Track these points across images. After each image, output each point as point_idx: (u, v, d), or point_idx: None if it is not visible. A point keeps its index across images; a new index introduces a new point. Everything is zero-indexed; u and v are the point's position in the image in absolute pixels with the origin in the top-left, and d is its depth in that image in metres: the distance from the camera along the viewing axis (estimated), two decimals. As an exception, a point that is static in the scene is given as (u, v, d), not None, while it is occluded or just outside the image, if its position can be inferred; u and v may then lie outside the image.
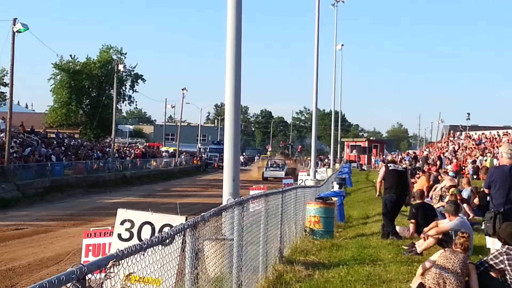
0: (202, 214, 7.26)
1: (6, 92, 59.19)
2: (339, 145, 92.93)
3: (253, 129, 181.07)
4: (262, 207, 12.04)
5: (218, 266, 8.42)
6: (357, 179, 53.17)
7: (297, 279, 11.52)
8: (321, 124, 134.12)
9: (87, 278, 4.07)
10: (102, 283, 4.47)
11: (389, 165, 18.62)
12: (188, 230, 6.67)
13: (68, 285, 3.81)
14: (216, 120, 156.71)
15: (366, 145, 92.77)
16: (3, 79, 61.73)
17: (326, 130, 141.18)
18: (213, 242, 8.34)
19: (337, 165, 73.55)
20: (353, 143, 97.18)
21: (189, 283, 6.60)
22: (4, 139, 48.71)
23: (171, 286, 6.55)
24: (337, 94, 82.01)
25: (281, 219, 14.16)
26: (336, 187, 31.34)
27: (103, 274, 4.48)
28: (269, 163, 78.97)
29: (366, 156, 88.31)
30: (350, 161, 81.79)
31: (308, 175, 42.61)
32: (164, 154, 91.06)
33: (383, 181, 18.52)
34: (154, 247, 5.56)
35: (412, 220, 17.43)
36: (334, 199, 22.10)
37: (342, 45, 78.20)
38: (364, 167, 77.98)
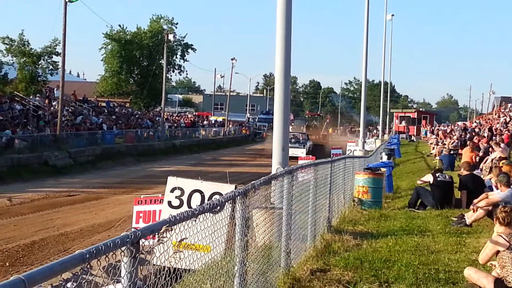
0: (252, 182, 7.32)
1: (58, 61, 59.69)
2: (388, 116, 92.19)
3: (301, 99, 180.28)
4: (311, 176, 12.05)
5: (267, 235, 8.49)
6: (406, 150, 52.78)
7: (345, 248, 11.56)
8: (370, 95, 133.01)
9: (140, 242, 4.16)
10: (155, 247, 4.57)
11: (437, 175, 18.19)
12: (238, 198, 6.73)
13: (123, 248, 3.89)
14: (265, 90, 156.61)
15: (416, 116, 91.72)
16: (55, 48, 62.22)
17: (375, 101, 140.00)
18: (262, 210, 8.41)
19: (385, 136, 73.06)
20: (402, 114, 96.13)
21: (239, 250, 6.67)
22: (56, 107, 49.42)
23: (220, 254, 6.64)
24: (387, 65, 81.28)
25: (330, 188, 14.17)
26: (384, 158, 31.22)
27: (154, 240, 4.57)
28: None
29: (415, 127, 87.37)
30: (399, 132, 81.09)
31: (357, 145, 42.52)
32: (205, 123, 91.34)
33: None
34: (206, 214, 5.65)
35: (463, 191, 17.37)
36: (383, 169, 22.04)
37: (392, 15, 77.22)
38: (413, 138, 77.20)
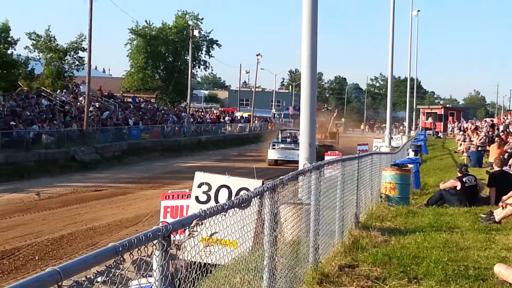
0: (281, 177, 7.30)
1: (84, 57, 60.12)
2: (414, 113, 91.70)
3: (327, 95, 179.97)
4: (338, 172, 12.02)
5: (295, 230, 8.47)
6: (432, 147, 52.50)
7: (373, 244, 11.51)
8: (396, 91, 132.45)
9: (172, 236, 4.16)
10: (185, 241, 4.57)
11: (464, 180, 17.91)
12: (267, 193, 6.72)
13: (154, 242, 3.90)
14: (290, 86, 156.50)
15: (442, 113, 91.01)
16: (81, 44, 62.64)
17: (401, 97, 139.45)
18: (290, 206, 8.38)
19: (412, 133, 72.70)
20: (429, 110, 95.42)
21: (268, 245, 6.66)
22: (83, 102, 49.71)
23: (248, 249, 6.63)
24: (413, 60, 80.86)
25: (357, 184, 14.12)
26: (411, 154, 31.04)
27: (181, 236, 4.57)
28: (280, 135, 49.09)
29: (442, 123, 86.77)
30: (426, 129, 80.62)
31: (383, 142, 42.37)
32: (225, 120, 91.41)
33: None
34: (234, 209, 5.64)
35: (493, 188, 17.21)
36: (410, 166, 21.91)
37: (418, 11, 76.71)
38: (440, 135, 76.75)
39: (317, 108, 71.78)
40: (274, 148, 44.63)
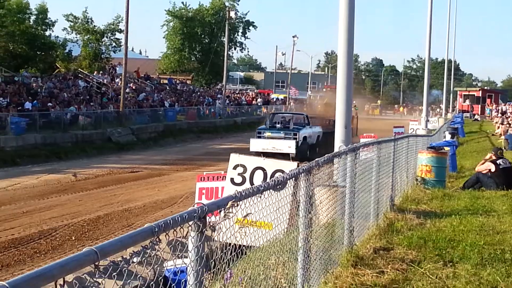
0: (316, 159, 7.29)
1: (121, 39, 60.45)
2: (451, 95, 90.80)
3: (363, 77, 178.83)
4: (374, 154, 11.97)
5: (330, 212, 8.46)
6: (470, 129, 51.99)
7: (408, 227, 11.46)
8: (433, 73, 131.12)
9: (207, 218, 4.18)
10: (221, 223, 4.59)
11: (498, 162, 17.77)
12: (302, 175, 6.72)
13: (190, 223, 3.92)
14: (326, 68, 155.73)
15: (480, 95, 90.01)
16: (118, 25, 62.98)
17: (438, 79, 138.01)
18: (325, 188, 8.37)
19: (449, 115, 72.07)
20: (466, 93, 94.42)
21: (303, 227, 6.66)
22: (119, 84, 49.99)
23: (282, 231, 6.64)
24: (451, 42, 79.83)
25: (393, 167, 14.05)
26: (448, 137, 30.79)
27: (216, 218, 4.59)
28: (268, 120, 38.44)
29: (479, 106, 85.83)
30: (463, 111, 79.82)
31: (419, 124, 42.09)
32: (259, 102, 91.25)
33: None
34: (270, 191, 5.65)
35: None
36: (446, 148, 21.74)
37: (457, -9, 75.78)
38: (477, 117, 75.97)
39: (330, 87, 70.25)
40: (259, 137, 35.21)
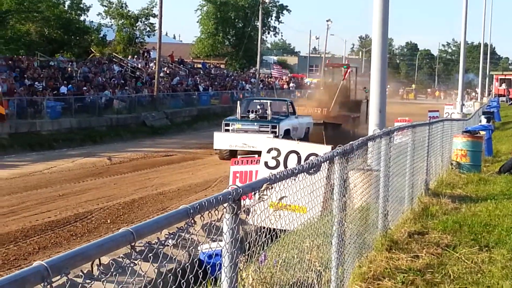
0: (351, 142, 7.26)
1: (155, 23, 60.69)
2: (487, 79, 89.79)
3: (397, 61, 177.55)
4: (408, 138, 11.91)
5: (364, 196, 8.44)
6: (506, 113, 51.36)
7: (443, 211, 11.39)
8: (468, 57, 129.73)
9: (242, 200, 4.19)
10: (255, 205, 4.59)
11: None
12: (337, 158, 6.69)
13: (225, 205, 3.93)
14: (360, 52, 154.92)
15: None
16: (152, 10, 63.17)
17: (474, 63, 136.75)
18: (359, 172, 8.34)
19: (484, 99, 71.32)
20: (503, 77, 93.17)
21: (337, 210, 6.65)
22: (153, 68, 50.18)
23: (316, 215, 6.63)
24: (487, 26, 78.93)
25: (428, 151, 13.97)
26: (484, 121, 30.49)
27: (251, 200, 4.59)
28: (240, 108, 28.54)
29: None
30: (499, 95, 78.86)
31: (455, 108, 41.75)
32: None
33: None
34: (304, 174, 5.64)
35: None
36: (482, 133, 21.54)
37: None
38: (514, 101, 75.02)
39: (333, 65, 46.68)
40: (227, 130, 27.35)
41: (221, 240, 4.13)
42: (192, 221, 3.43)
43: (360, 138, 7.92)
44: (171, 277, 3.46)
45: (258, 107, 29.01)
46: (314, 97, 41.69)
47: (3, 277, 2.29)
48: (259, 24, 69.37)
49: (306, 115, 32.17)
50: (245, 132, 26.84)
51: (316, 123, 32.03)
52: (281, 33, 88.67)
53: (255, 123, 27.20)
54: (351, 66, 45.25)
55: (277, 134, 25.56)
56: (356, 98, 42.59)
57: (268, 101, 29.52)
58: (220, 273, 4.02)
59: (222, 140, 26.94)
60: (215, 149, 27.23)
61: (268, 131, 25.86)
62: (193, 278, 3.72)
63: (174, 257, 4.02)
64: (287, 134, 27.12)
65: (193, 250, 5.34)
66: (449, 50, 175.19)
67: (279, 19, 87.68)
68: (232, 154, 25.46)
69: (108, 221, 15.50)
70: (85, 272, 2.64)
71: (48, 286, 2.36)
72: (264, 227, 4.98)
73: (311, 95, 43.63)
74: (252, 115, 27.71)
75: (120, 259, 2.95)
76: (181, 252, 4.57)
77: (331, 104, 36.16)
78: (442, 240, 9.21)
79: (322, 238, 6.42)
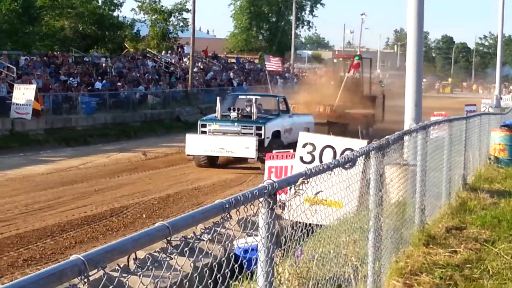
0: (387, 137, 7.19)
1: (188, 18, 60.82)
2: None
3: (433, 55, 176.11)
4: (445, 133, 11.79)
5: (400, 191, 8.36)
6: (544, 107, 50.75)
7: (481, 206, 11.26)
8: (506, 50, 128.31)
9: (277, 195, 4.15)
10: (291, 200, 4.55)
11: None
12: (373, 152, 6.63)
13: (261, 199, 3.90)
14: (395, 46, 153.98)
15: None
16: (185, 5, 63.31)
17: (511, 56, 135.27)
18: (396, 167, 8.27)
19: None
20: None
21: (373, 205, 6.58)
22: (187, 63, 50.31)
23: (352, 210, 6.58)
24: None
25: (465, 145, 13.83)
26: (522, 115, 30.15)
27: (286, 195, 4.55)
28: (220, 105, 23.47)
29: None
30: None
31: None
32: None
33: None
34: (340, 169, 5.59)
35: None
36: (520, 127, 21.28)
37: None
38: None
39: (342, 57, 42.93)
40: (204, 132, 23.19)
41: (256, 235, 4.10)
42: (228, 215, 3.41)
43: (396, 133, 7.84)
44: (207, 271, 3.42)
45: (246, 104, 24.22)
46: (317, 93, 35.79)
47: (41, 270, 2.29)
48: (292, 18, 69.24)
49: (305, 114, 28.06)
50: (224, 134, 22.67)
51: (318, 122, 27.79)
52: (315, 27, 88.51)
53: (236, 124, 22.79)
54: (364, 57, 40.84)
55: (262, 137, 22.39)
56: (370, 93, 38.66)
57: (254, 97, 24.31)
58: (256, 267, 4.00)
59: (196, 144, 22.71)
60: (188, 155, 23.13)
61: (251, 133, 22.50)
62: (229, 272, 3.70)
63: (210, 252, 4.00)
64: (276, 137, 23.34)
65: (229, 244, 5.31)
66: (486, 43, 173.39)
67: (313, 13, 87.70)
68: (212, 160, 23.13)
69: (144, 216, 15.55)
70: (121, 266, 2.63)
71: (85, 280, 2.35)
72: (299, 222, 4.94)
73: (312, 90, 37.41)
74: (233, 114, 23.06)
75: (156, 254, 2.93)
76: (217, 247, 4.54)
77: (334, 103, 31.89)
78: (480, 235, 9.10)
79: (358, 233, 6.37)
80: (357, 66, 35.28)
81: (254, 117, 22.96)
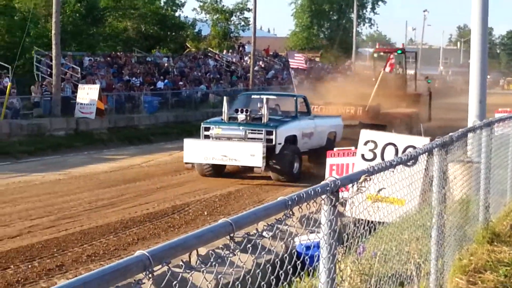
0: (450, 134, 7.12)
1: (249, 18, 60.91)
2: None
3: (498, 51, 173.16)
4: (510, 129, 11.61)
5: (464, 188, 8.27)
6: None
7: (547, 204, 11.06)
8: None
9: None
10: (353, 196, 4.55)
11: None
12: (436, 150, 6.58)
13: (323, 196, 3.91)
14: (458, 43, 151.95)
15: None
16: (246, 4, 63.57)
17: None
18: (459, 164, 8.18)
19: None
20: None
21: (437, 203, 6.53)
22: (248, 62, 50.48)
23: (414, 207, 6.54)
24: None
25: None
26: None
27: (348, 192, 4.54)
28: (227, 105, 20.40)
29: None
30: None
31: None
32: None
33: None
34: (402, 167, 5.56)
35: None
36: None
37: None
38: None
39: (383, 51, 36.78)
40: (207, 136, 20.30)
41: (318, 232, 4.12)
42: (291, 212, 3.42)
43: (460, 130, 7.76)
44: (269, 268, 3.45)
45: (259, 105, 20.40)
46: (350, 92, 32.37)
47: (106, 265, 2.33)
48: (354, 16, 68.91)
49: (332, 116, 24.94)
50: (228, 139, 19.65)
51: (349, 124, 24.83)
52: (377, 24, 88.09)
53: (242, 128, 19.59)
54: (408, 51, 38.21)
55: (273, 143, 19.46)
56: (416, 90, 36.39)
57: (267, 97, 20.90)
58: (318, 264, 4.00)
59: (195, 150, 19.86)
60: (186, 163, 20.12)
61: (260, 139, 19.42)
62: (291, 269, 3.72)
63: (273, 248, 4.02)
64: (291, 143, 20.54)
65: (291, 241, 5.33)
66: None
67: (375, 11, 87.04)
68: (217, 169, 20.45)
69: (205, 213, 15.66)
70: (184, 262, 2.67)
71: (150, 275, 2.39)
72: (361, 219, 4.93)
73: (345, 89, 34.13)
74: (241, 116, 19.77)
75: (219, 250, 2.97)
76: (279, 244, 4.57)
77: (367, 103, 28.41)
78: (546, 233, 8.95)
79: (421, 231, 6.33)
80: (388, 60, 30.74)
81: (265, 119, 19.76)
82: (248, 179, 20.42)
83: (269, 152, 19.29)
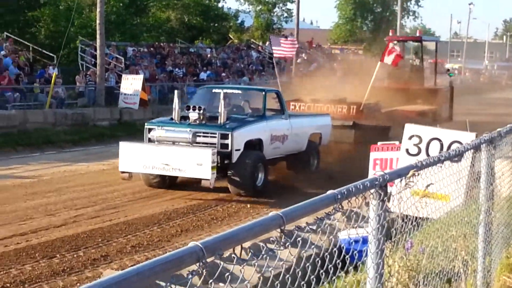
0: (498, 129, 7.03)
1: (292, 9, 60.97)
2: None
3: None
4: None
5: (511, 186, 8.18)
6: None
7: None
8: None
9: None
10: (401, 192, 4.52)
11: None
12: (483, 145, 6.51)
13: (372, 191, 3.90)
14: (504, 37, 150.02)
15: None
16: (290, -4, 63.62)
17: None
18: (507, 160, 8.09)
19: None
20: None
21: (484, 199, 6.46)
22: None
23: (460, 204, 6.48)
24: None
25: None
26: None
27: (393, 188, 4.52)
28: (178, 101, 16.34)
29: None
30: None
31: None
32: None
33: None
34: (449, 162, 5.52)
35: None
36: None
37: None
38: None
39: (398, 39, 33.41)
40: (150, 140, 16.42)
41: (362, 227, 4.11)
42: (340, 206, 3.41)
43: (509, 125, 7.66)
44: (319, 261, 3.45)
45: (222, 102, 16.12)
46: (348, 86, 28.49)
47: (160, 256, 2.35)
48: (398, 8, 68.39)
49: (318, 114, 21.22)
50: (173, 143, 15.98)
51: (340, 125, 21.16)
52: (421, 17, 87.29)
53: (190, 130, 15.79)
54: (426, 40, 33.73)
55: (229, 149, 15.71)
56: (435, 85, 32.42)
57: (226, 91, 17.85)
58: (366, 259, 4.00)
59: (133, 156, 15.94)
60: (122, 172, 16.20)
61: (213, 144, 15.65)
62: (340, 263, 3.71)
63: (317, 243, 4.01)
64: (255, 148, 16.80)
65: (337, 235, 5.31)
66: None
67: (419, 3, 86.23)
68: (165, 179, 16.71)
69: (248, 206, 15.68)
70: (231, 254, 2.68)
71: (203, 267, 2.40)
72: (408, 215, 4.91)
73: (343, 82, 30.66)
74: (193, 115, 16.04)
75: (263, 244, 2.97)
76: (325, 238, 4.58)
77: (361, 103, 23.44)
78: None
79: (468, 227, 6.27)
80: (393, 51, 24.49)
81: (221, 119, 15.96)
82: (292, 171, 20.33)
83: (225, 160, 15.94)
